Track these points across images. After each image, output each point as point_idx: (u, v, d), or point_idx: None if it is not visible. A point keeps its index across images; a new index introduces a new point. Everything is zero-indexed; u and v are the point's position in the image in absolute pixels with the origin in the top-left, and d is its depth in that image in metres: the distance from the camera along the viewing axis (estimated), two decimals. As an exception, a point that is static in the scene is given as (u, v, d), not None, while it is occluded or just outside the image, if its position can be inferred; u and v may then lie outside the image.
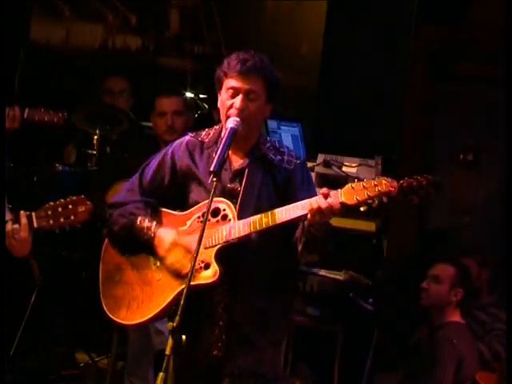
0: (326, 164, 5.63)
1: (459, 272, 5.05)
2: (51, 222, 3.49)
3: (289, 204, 3.32)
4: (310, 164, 5.43)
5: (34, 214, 3.51)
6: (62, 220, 3.48)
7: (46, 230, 3.51)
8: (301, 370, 5.53)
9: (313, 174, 4.96)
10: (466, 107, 6.29)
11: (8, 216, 3.60)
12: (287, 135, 5.92)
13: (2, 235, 3.53)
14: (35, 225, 3.50)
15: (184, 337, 3.07)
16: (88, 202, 3.48)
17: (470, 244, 6.12)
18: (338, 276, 5.39)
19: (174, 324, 3.06)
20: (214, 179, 3.24)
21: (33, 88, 6.56)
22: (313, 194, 3.35)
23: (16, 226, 3.49)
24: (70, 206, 3.48)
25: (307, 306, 5.37)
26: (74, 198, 3.49)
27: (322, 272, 5.30)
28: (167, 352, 3.07)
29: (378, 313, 5.48)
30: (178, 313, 3.07)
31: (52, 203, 3.49)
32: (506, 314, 4.96)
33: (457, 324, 4.97)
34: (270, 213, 3.31)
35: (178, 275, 3.40)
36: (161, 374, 3.07)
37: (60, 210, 3.48)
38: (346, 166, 5.63)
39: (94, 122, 5.78)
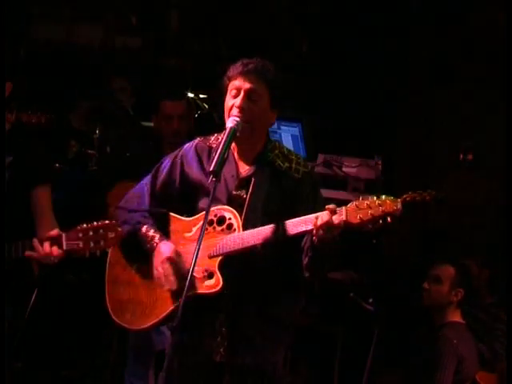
0: (326, 164, 5.63)
1: (459, 272, 5.05)
2: (81, 245, 3.45)
3: (295, 213, 3.31)
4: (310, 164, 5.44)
5: (64, 235, 3.48)
6: (91, 244, 3.43)
7: (75, 253, 3.49)
8: (301, 370, 5.53)
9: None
10: (466, 107, 6.30)
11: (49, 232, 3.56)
12: (287, 135, 5.92)
13: (1, 235, 3.52)
14: (64, 247, 3.47)
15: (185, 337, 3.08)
16: (119, 229, 3.45)
17: (470, 244, 6.12)
18: (338, 276, 5.39)
19: (174, 324, 3.06)
20: (214, 179, 3.23)
21: (33, 88, 6.56)
22: (319, 205, 3.32)
23: (55, 248, 3.46)
24: (101, 231, 3.42)
25: (307, 306, 5.37)
26: (107, 222, 3.44)
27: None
28: (167, 352, 3.06)
29: (377, 313, 5.47)
30: (178, 313, 3.07)
31: (84, 225, 3.45)
32: (506, 314, 4.97)
33: (457, 324, 4.97)
34: (274, 226, 3.31)
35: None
36: (161, 374, 3.06)
37: (91, 233, 3.43)
38: (345, 166, 5.63)
39: (94, 122, 5.78)
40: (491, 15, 5.99)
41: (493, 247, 5.66)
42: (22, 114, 5.03)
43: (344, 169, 5.62)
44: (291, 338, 3.59)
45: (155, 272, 3.43)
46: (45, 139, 5.74)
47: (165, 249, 3.43)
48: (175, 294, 3.40)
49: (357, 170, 5.60)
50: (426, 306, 5.09)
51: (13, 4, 5.80)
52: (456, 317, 4.97)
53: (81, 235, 3.44)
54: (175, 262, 3.39)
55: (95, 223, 3.43)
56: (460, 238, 6.26)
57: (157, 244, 3.45)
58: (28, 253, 3.50)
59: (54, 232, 3.50)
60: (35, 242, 3.49)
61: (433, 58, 6.30)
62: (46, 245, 3.47)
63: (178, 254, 3.42)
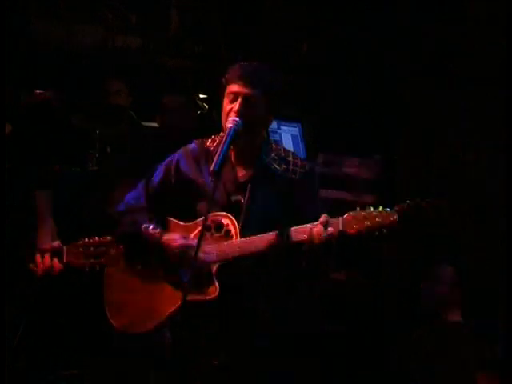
0: (326, 164, 5.63)
1: (459, 272, 5.05)
2: (81, 259, 3.48)
3: (294, 216, 3.31)
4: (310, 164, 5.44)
5: (65, 248, 3.49)
6: (91, 260, 3.46)
7: (74, 266, 3.51)
8: (301, 370, 5.53)
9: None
10: (466, 107, 6.30)
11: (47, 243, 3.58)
12: (287, 135, 5.93)
13: (1, 233, 3.53)
14: (64, 260, 3.49)
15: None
16: (121, 247, 3.46)
17: (470, 244, 6.12)
18: (338, 276, 5.40)
19: (174, 324, 3.06)
20: (214, 179, 3.23)
21: (32, 88, 6.55)
22: (316, 208, 3.32)
23: (55, 260, 3.49)
24: (103, 247, 3.45)
25: (307, 307, 5.37)
26: (109, 238, 3.46)
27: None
28: (167, 352, 3.06)
29: (377, 312, 5.48)
30: (178, 313, 3.07)
31: (86, 240, 3.47)
32: (506, 314, 4.97)
33: (457, 324, 4.98)
34: (271, 235, 3.30)
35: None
36: (161, 374, 3.07)
37: (92, 249, 3.46)
38: (346, 166, 5.63)
39: (94, 122, 5.78)
40: (491, 14, 5.99)
41: (493, 247, 5.66)
42: (33, 94, 5.01)
43: (344, 169, 5.62)
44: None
45: (175, 265, 3.42)
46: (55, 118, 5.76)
47: (172, 240, 3.42)
48: (172, 298, 3.40)
49: (357, 170, 5.61)
50: (426, 305, 5.09)
51: (13, 4, 5.81)
52: (456, 316, 4.98)
53: (81, 250, 3.46)
54: (188, 245, 3.38)
55: (97, 239, 3.45)
56: (460, 238, 6.26)
57: (160, 239, 3.43)
58: (32, 266, 3.53)
59: (56, 244, 3.53)
60: (37, 257, 3.51)
61: (433, 58, 6.30)
62: (47, 257, 3.49)
63: (185, 237, 3.43)
